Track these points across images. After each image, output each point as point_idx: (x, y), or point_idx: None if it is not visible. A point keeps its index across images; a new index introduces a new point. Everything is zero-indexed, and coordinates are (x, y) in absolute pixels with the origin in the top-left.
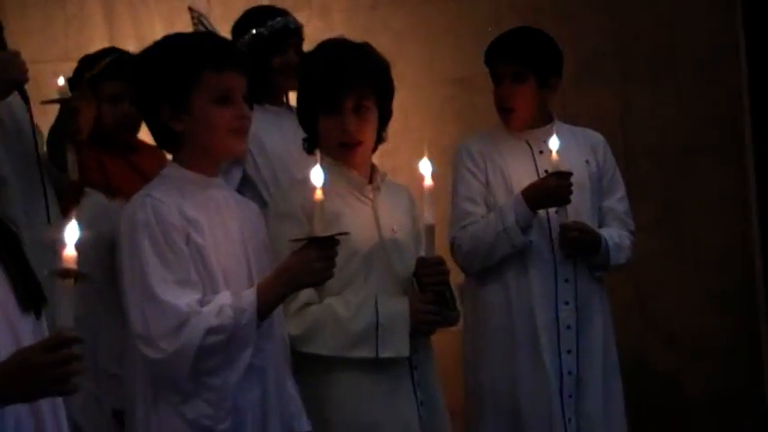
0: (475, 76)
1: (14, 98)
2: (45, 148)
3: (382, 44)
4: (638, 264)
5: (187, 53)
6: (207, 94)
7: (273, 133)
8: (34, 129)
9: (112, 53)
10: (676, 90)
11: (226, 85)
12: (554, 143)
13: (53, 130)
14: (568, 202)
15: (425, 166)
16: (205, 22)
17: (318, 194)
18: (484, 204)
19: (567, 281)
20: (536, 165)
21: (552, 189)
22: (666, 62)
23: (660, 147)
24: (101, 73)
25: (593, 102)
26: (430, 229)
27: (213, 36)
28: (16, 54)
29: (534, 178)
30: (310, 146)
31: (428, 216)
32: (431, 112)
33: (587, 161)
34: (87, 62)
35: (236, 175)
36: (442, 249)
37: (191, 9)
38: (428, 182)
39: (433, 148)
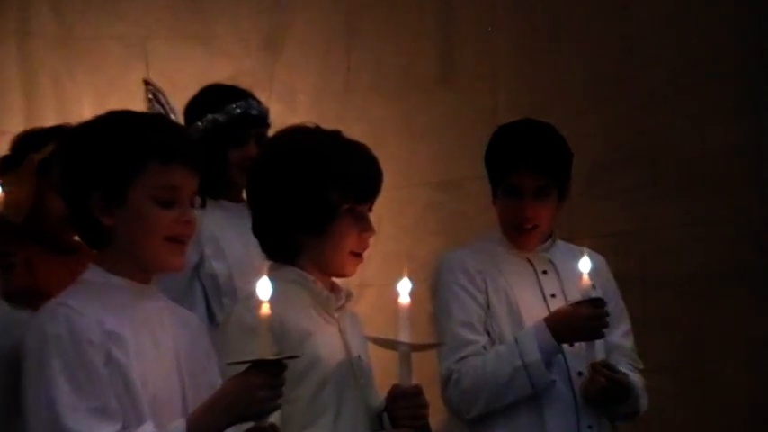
0: (463, 179)
1: None
2: None
3: (354, 136)
4: (654, 412)
5: (133, 135)
6: (148, 189)
7: (231, 235)
8: None
9: (58, 134)
10: (705, 205)
11: (172, 181)
12: (585, 264)
13: None
14: (602, 335)
15: (404, 285)
16: (162, 99)
17: (265, 309)
18: (485, 332)
19: (590, 427)
20: (541, 287)
21: (585, 320)
22: (692, 171)
23: (682, 272)
24: (50, 157)
25: (604, 217)
26: (406, 355)
27: (167, 121)
28: None
29: (541, 303)
30: None
31: (405, 339)
32: (409, 220)
33: (593, 285)
34: (32, 140)
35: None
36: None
37: (147, 83)
38: (405, 300)
39: (409, 260)
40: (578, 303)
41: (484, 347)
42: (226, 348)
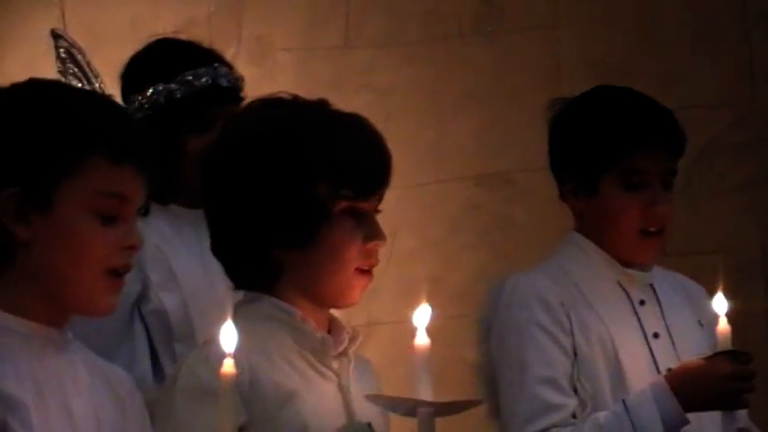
0: (511, 172)
1: None
2: None
3: (358, 107)
4: None
5: (72, 115)
6: (86, 193)
7: (186, 255)
8: None
9: None
10: None
11: (120, 188)
12: (720, 303)
13: None
14: (747, 404)
15: (422, 316)
16: (80, 59)
17: (227, 367)
18: (572, 391)
19: None
20: (641, 324)
21: (724, 381)
22: None
23: None
24: None
25: (710, 226)
26: (427, 421)
27: (116, 105)
28: None
29: (643, 347)
30: None
31: (424, 396)
32: (436, 229)
33: (700, 323)
34: None
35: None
36: None
37: (58, 35)
38: (423, 340)
39: (435, 287)
40: (714, 357)
41: (573, 415)
42: (170, 420)
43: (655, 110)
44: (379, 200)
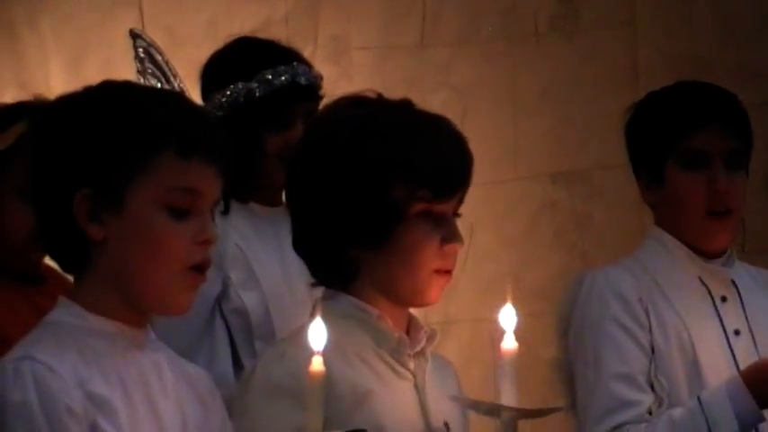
0: (589, 169)
1: None
2: None
3: (435, 107)
4: None
5: (140, 113)
6: (157, 189)
7: (265, 253)
8: None
9: (28, 113)
10: None
11: (191, 182)
12: None
13: None
14: None
15: (507, 317)
16: (159, 58)
17: (317, 365)
18: (649, 387)
19: None
20: (721, 320)
21: None
22: None
23: None
24: (13, 147)
25: None
26: (510, 425)
27: (185, 100)
28: None
29: (722, 344)
30: None
31: (508, 400)
32: (513, 228)
33: None
34: None
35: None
36: None
37: (136, 35)
38: (510, 344)
39: (518, 286)
40: None
41: (649, 411)
42: (245, 417)
43: (710, 90)
44: (460, 201)
